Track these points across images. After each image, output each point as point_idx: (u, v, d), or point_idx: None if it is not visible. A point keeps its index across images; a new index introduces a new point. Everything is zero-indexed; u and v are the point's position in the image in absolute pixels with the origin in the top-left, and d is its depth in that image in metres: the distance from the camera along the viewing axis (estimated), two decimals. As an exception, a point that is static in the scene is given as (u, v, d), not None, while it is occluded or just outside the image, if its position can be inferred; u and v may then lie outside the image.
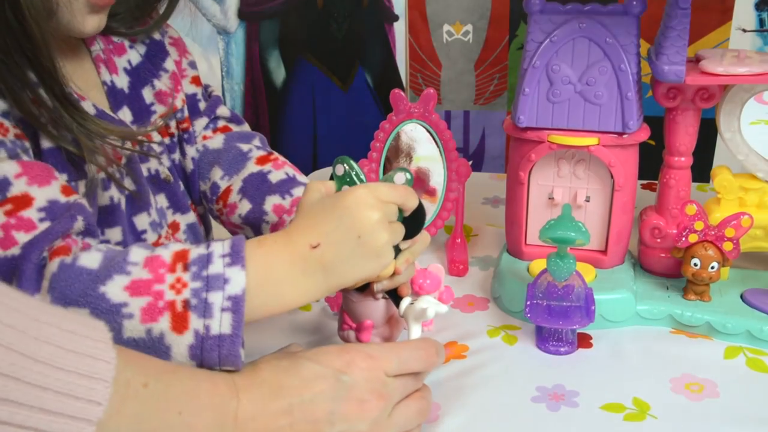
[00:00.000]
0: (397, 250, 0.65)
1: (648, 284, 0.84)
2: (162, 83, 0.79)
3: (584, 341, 0.78)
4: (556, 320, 0.75)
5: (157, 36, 0.81)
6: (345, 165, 0.64)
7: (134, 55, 0.78)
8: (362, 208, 0.60)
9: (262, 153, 0.84)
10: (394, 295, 0.69)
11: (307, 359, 0.58)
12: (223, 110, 0.88)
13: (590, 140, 0.79)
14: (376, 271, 0.62)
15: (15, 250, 0.56)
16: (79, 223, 0.60)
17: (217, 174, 0.83)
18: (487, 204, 1.13)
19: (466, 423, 0.66)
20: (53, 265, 0.55)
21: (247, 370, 0.57)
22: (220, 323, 0.55)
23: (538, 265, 0.83)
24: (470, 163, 0.95)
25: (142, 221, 0.74)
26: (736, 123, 0.81)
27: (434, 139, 0.93)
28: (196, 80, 0.86)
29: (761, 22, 1.42)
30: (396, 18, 1.61)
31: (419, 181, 0.95)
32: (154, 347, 0.55)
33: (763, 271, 0.86)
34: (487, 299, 0.87)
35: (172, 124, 0.80)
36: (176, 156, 0.81)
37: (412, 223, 0.65)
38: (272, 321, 0.83)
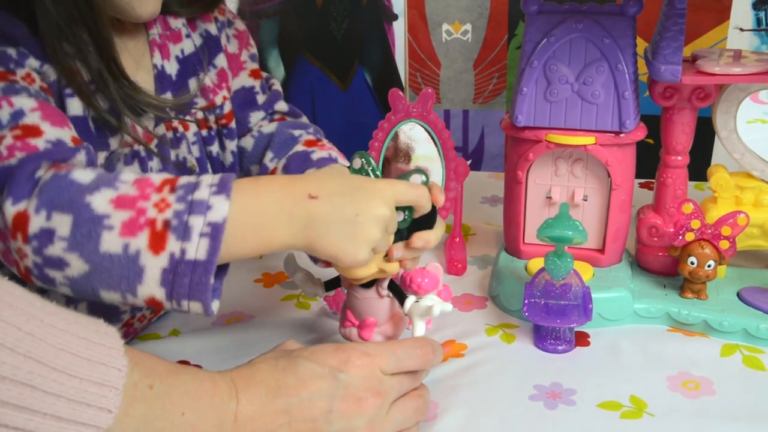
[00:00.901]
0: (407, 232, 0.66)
1: (645, 283, 0.84)
2: (208, 78, 0.81)
3: (582, 339, 0.78)
4: (554, 319, 0.75)
5: (213, 30, 0.83)
6: (362, 159, 0.65)
7: (188, 45, 0.80)
8: (377, 197, 0.60)
9: (311, 138, 0.86)
10: (399, 293, 0.69)
11: (304, 358, 0.58)
12: (281, 105, 0.90)
13: (587, 139, 0.80)
14: (347, 258, 0.60)
15: (12, 161, 0.58)
16: (81, 156, 0.61)
17: (267, 156, 0.85)
18: (485, 203, 1.14)
19: (464, 421, 0.66)
20: (47, 176, 0.57)
21: (245, 370, 0.58)
22: (197, 248, 0.55)
23: (536, 263, 0.83)
24: (469, 162, 0.95)
25: None
26: (732, 122, 0.82)
27: (432, 138, 0.93)
28: (255, 73, 0.88)
29: (758, 21, 1.42)
30: (395, 17, 1.62)
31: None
32: (129, 267, 0.55)
33: (760, 269, 0.87)
34: (485, 298, 0.87)
35: (211, 118, 0.82)
36: (213, 148, 0.83)
37: (424, 223, 0.65)
38: (271, 319, 0.83)
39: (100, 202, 0.55)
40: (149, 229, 0.55)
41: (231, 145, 0.84)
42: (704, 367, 0.73)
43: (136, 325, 0.79)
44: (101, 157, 0.69)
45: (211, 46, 0.82)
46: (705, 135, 0.89)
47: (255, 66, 0.88)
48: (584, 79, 0.78)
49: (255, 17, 1.71)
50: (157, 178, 0.58)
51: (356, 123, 1.72)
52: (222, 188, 0.56)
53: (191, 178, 0.58)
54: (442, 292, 0.82)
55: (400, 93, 0.92)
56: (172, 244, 0.55)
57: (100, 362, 0.46)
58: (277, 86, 0.91)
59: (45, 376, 0.43)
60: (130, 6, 0.68)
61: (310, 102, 1.74)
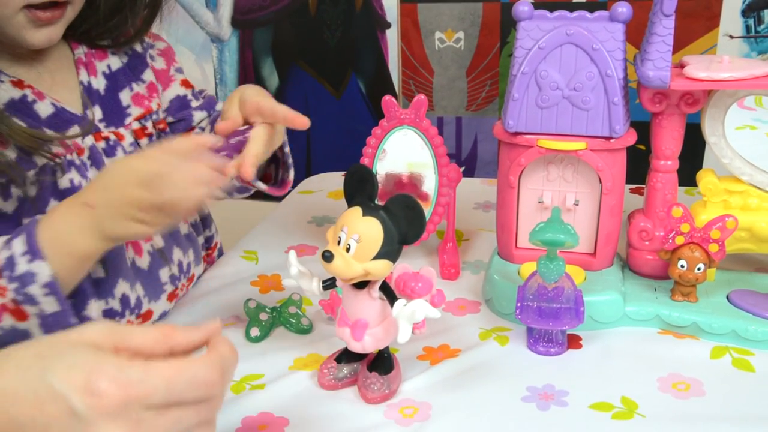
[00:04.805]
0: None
1: (636, 286, 0.85)
2: (140, 88, 0.86)
3: (574, 342, 0.79)
4: (547, 321, 0.76)
5: (139, 49, 0.88)
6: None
7: (115, 61, 0.85)
8: (127, 186, 0.66)
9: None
10: (391, 296, 0.69)
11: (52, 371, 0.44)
12: (220, 105, 0.95)
13: (578, 145, 0.81)
14: (139, 234, 0.69)
15: None
16: None
17: None
18: (478, 209, 1.15)
19: (458, 422, 0.67)
20: None
21: None
22: (49, 305, 0.66)
23: (529, 267, 0.84)
24: (463, 168, 0.96)
25: None
26: (720, 127, 0.83)
27: (426, 145, 0.94)
28: (185, 83, 0.94)
29: (748, 28, 1.44)
30: (388, 25, 1.63)
31: (412, 187, 0.97)
32: (15, 335, 0.67)
33: (749, 272, 0.88)
34: (479, 302, 0.88)
35: (149, 124, 0.87)
36: None
37: (416, 224, 0.66)
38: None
39: None
40: (6, 312, 0.66)
41: None
42: (694, 369, 0.74)
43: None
44: (30, 174, 0.74)
45: (137, 62, 0.88)
46: (696, 142, 0.90)
47: (183, 76, 0.95)
48: (575, 85, 0.79)
49: (249, 26, 1.72)
50: None
51: (350, 130, 1.72)
52: (33, 253, 0.65)
53: (5, 252, 0.66)
54: (435, 296, 0.82)
55: (393, 100, 0.93)
56: (31, 309, 0.66)
57: None
58: (210, 93, 0.99)
59: None
60: (18, 38, 0.72)
61: (304, 110, 1.75)
